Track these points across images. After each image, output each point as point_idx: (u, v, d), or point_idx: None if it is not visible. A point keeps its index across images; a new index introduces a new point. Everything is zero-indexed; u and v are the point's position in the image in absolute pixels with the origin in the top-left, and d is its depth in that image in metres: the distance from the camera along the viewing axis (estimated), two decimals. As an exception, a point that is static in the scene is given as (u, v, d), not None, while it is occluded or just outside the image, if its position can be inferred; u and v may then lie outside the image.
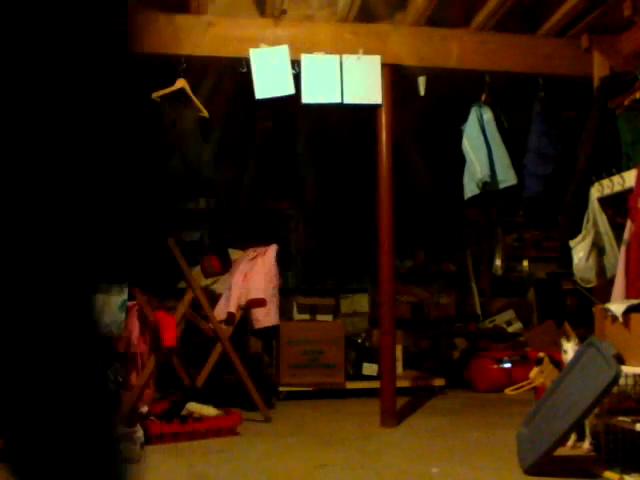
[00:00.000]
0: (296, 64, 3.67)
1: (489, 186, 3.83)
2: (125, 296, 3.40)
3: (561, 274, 5.90)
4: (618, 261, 3.18)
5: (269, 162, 6.03)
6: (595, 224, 3.39)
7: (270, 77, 3.62)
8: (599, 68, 3.83)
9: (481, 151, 3.83)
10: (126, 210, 0.87)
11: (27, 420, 0.77)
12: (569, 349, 3.03)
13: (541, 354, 3.18)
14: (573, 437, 3.01)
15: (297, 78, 3.66)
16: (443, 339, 5.88)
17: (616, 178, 3.31)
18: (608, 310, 2.79)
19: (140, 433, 3.02)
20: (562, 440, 2.65)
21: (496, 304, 6.45)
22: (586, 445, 2.95)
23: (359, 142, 5.04)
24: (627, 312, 2.67)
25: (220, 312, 4.00)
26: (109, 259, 0.85)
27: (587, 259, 3.37)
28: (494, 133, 3.90)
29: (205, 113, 3.84)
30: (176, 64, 3.67)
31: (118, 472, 0.85)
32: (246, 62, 3.62)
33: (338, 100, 3.70)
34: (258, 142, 5.60)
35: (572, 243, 3.44)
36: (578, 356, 2.77)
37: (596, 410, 2.66)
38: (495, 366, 5.06)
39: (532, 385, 3.20)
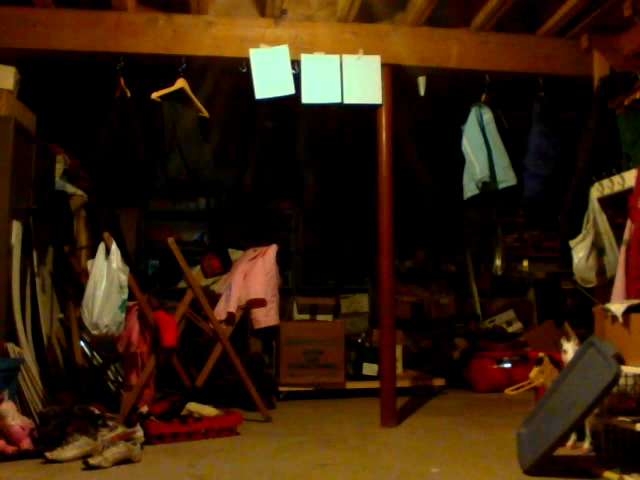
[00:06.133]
0: (296, 64, 3.67)
1: (489, 186, 3.83)
2: (125, 296, 3.40)
3: (561, 274, 5.92)
4: (618, 261, 3.18)
5: (269, 162, 6.04)
6: (595, 224, 3.39)
7: (270, 77, 3.62)
8: (599, 68, 3.83)
9: (481, 151, 3.82)
10: None
11: None
12: (569, 349, 3.03)
13: (541, 354, 3.18)
14: (573, 437, 3.01)
15: (297, 78, 3.66)
16: (443, 339, 5.88)
17: (616, 178, 3.31)
18: (608, 310, 2.79)
19: (140, 433, 3.02)
20: (562, 440, 2.65)
21: (496, 304, 6.46)
22: (586, 445, 2.95)
23: (359, 142, 5.04)
24: (627, 312, 2.68)
25: (220, 312, 3.99)
26: None
27: (587, 259, 3.37)
28: (494, 133, 3.90)
29: (205, 113, 3.84)
30: (176, 64, 3.67)
31: None
32: (246, 62, 3.62)
33: (338, 100, 3.70)
34: (258, 142, 5.61)
35: (572, 243, 3.44)
36: (578, 356, 2.77)
37: (596, 410, 2.66)
38: (495, 366, 5.06)
39: (532, 385, 3.20)
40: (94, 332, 3.33)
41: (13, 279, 3.38)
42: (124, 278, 3.39)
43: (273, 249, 4.11)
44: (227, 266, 4.24)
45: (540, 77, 3.95)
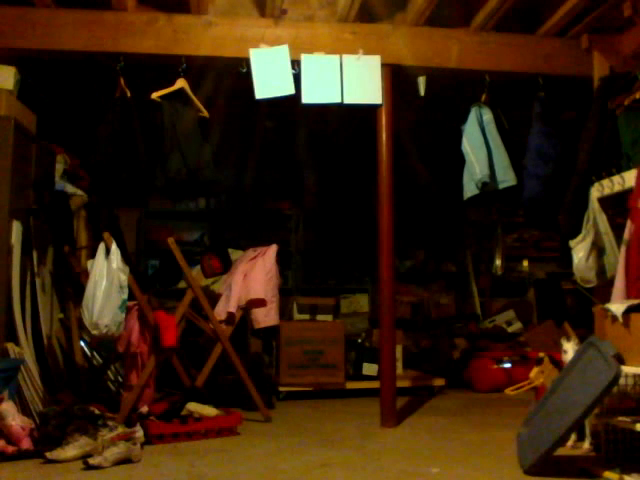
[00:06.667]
0: (296, 64, 3.67)
1: (489, 186, 3.83)
2: (125, 296, 3.40)
3: (561, 274, 5.91)
4: (618, 261, 3.18)
5: (269, 162, 6.04)
6: (595, 224, 3.38)
7: (270, 77, 3.62)
8: (599, 68, 3.83)
9: (481, 151, 3.82)
10: None
11: None
12: (569, 349, 3.03)
13: (541, 354, 3.18)
14: (573, 437, 3.01)
15: (297, 78, 3.66)
16: (443, 339, 5.88)
17: (616, 178, 3.31)
18: (608, 310, 2.78)
19: (140, 433, 3.02)
20: (562, 440, 2.65)
21: (496, 304, 6.46)
22: (586, 445, 2.96)
23: (359, 142, 5.04)
24: (627, 312, 2.67)
25: (220, 312, 3.99)
26: None
27: (587, 259, 3.37)
28: (494, 133, 3.90)
29: (205, 113, 3.84)
30: (176, 64, 3.67)
31: None
32: (246, 62, 3.62)
33: (338, 100, 3.70)
34: (258, 142, 5.61)
35: (572, 243, 3.44)
36: (578, 356, 2.77)
37: (596, 410, 2.66)
38: (495, 366, 5.06)
39: (532, 385, 3.20)
40: (94, 332, 3.33)
41: (13, 279, 3.38)
42: (124, 278, 3.39)
43: (273, 249, 4.11)
44: (227, 266, 4.24)
45: (540, 77, 3.95)
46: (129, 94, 3.68)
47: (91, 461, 2.73)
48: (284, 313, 4.98)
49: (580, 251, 3.40)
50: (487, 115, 3.92)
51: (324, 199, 6.28)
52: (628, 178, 3.22)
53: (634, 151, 3.39)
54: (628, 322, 2.65)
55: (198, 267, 4.31)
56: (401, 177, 3.98)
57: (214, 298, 4.13)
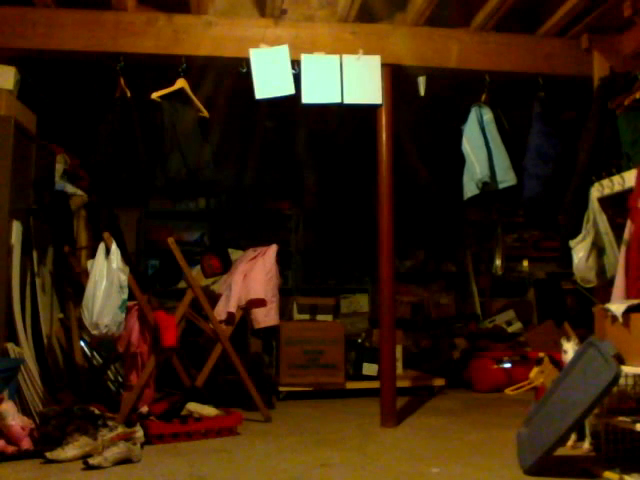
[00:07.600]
0: (296, 64, 3.67)
1: (489, 186, 3.83)
2: (125, 296, 3.40)
3: (561, 274, 5.91)
4: (618, 261, 3.18)
5: (269, 162, 6.04)
6: (595, 224, 3.39)
7: (270, 77, 3.62)
8: (599, 68, 3.83)
9: (481, 151, 3.82)
10: None
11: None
12: (569, 349, 3.03)
13: (541, 354, 3.18)
14: (573, 437, 3.01)
15: (297, 78, 3.66)
16: (443, 339, 5.88)
17: (616, 178, 3.31)
18: (608, 310, 2.78)
19: (140, 433, 3.02)
20: (562, 440, 2.65)
21: (496, 304, 6.46)
22: (586, 445, 2.96)
23: (359, 142, 5.04)
24: (627, 312, 2.67)
25: (220, 312, 3.99)
26: None
27: (587, 259, 3.37)
28: (494, 133, 3.90)
29: (205, 113, 3.84)
30: (176, 64, 3.67)
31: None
32: (246, 62, 3.63)
33: (338, 100, 3.70)
34: (258, 142, 5.61)
35: (572, 243, 3.44)
36: (578, 356, 2.77)
37: (596, 410, 2.66)
38: (495, 366, 5.06)
39: (532, 385, 3.20)
40: (94, 332, 3.33)
41: (13, 279, 3.38)
42: (124, 278, 3.39)
43: (273, 249, 4.11)
44: (227, 266, 4.24)
45: (540, 77, 3.95)
46: (129, 94, 3.68)
47: (91, 461, 2.73)
48: (284, 313, 4.99)
49: (580, 251, 3.40)
50: (487, 115, 3.92)
51: (324, 199, 6.28)
52: (628, 178, 3.22)
53: (634, 151, 3.39)
54: (628, 322, 2.65)
55: (198, 267, 4.31)
56: (401, 177, 3.98)
57: (214, 298, 4.13)
